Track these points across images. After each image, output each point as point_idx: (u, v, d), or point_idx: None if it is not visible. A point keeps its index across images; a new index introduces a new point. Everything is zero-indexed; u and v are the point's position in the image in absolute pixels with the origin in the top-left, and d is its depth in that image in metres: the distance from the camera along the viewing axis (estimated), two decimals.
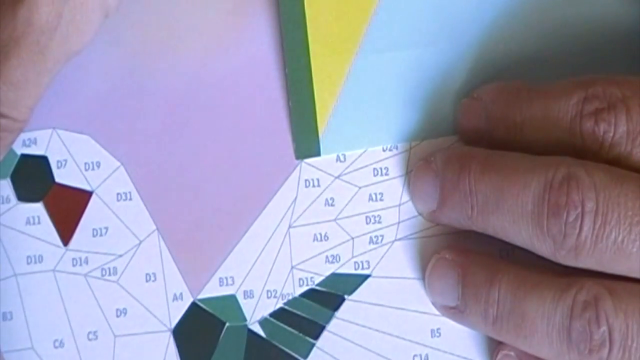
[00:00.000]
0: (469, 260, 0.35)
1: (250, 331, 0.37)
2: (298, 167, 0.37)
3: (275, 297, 0.37)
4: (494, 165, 0.33)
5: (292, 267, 0.37)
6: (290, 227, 0.37)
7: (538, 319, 0.32)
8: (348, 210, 0.37)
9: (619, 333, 0.31)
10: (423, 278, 0.37)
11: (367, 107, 0.36)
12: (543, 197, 0.32)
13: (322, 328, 0.37)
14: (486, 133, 0.35)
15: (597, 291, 0.32)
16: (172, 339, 0.37)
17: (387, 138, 0.37)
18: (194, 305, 0.37)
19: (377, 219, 0.37)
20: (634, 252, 0.31)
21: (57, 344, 0.37)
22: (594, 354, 0.31)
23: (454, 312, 0.35)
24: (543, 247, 0.32)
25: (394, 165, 0.37)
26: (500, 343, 0.35)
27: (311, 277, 0.37)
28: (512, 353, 0.35)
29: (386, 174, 0.37)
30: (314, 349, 0.37)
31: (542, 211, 0.32)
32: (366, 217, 0.37)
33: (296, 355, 0.37)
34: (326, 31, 0.36)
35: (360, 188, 0.37)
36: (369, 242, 0.37)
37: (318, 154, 0.36)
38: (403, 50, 0.36)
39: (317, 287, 0.37)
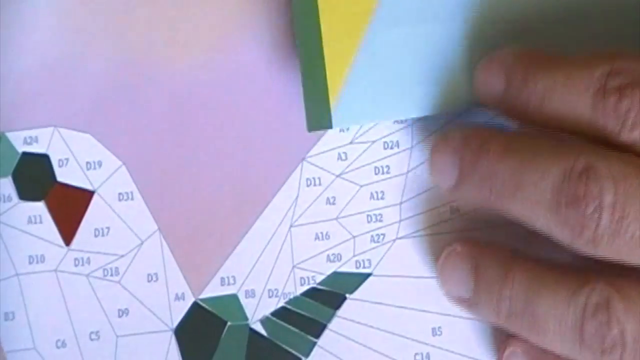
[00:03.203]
0: (481, 253, 0.35)
1: (252, 330, 0.37)
2: (299, 166, 0.37)
3: (276, 296, 0.37)
4: (514, 149, 0.33)
5: (294, 266, 0.37)
6: (291, 226, 0.37)
7: (550, 319, 0.32)
8: (349, 209, 0.37)
9: (631, 335, 0.31)
10: (425, 276, 0.37)
11: (379, 80, 0.36)
12: (561, 187, 0.31)
13: (324, 327, 0.37)
14: (505, 99, 0.34)
15: (609, 293, 0.32)
16: (173, 338, 0.37)
17: (398, 111, 0.36)
18: (195, 305, 0.37)
19: (378, 217, 0.37)
20: None
21: (59, 344, 0.37)
22: (607, 355, 0.31)
23: (467, 304, 0.35)
24: (561, 236, 0.32)
25: (396, 164, 0.37)
26: (507, 339, 0.35)
27: (312, 276, 0.37)
28: (518, 350, 0.35)
29: (387, 172, 0.37)
30: (316, 347, 0.37)
31: (560, 201, 0.31)
32: (367, 215, 0.37)
33: (298, 354, 0.37)
34: (337, 4, 0.35)
35: (361, 186, 0.37)
36: (370, 241, 0.37)
37: (330, 126, 0.35)
38: (416, 24, 0.35)
39: (319, 286, 0.37)
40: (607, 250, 0.31)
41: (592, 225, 0.31)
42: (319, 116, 0.36)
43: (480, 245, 0.35)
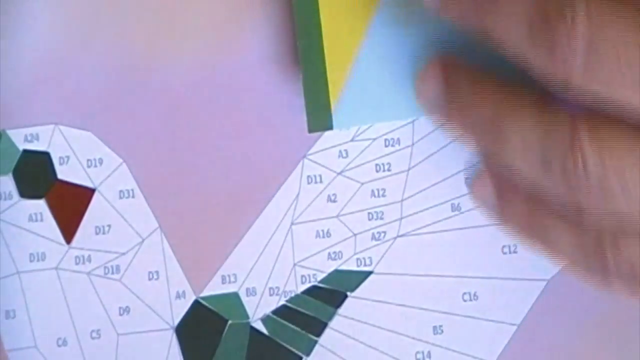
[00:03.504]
0: (454, 69, 0.34)
1: (253, 329, 0.37)
2: (300, 164, 0.37)
3: (277, 294, 0.37)
4: None
5: (295, 264, 0.37)
6: (292, 223, 0.37)
7: (516, 135, 0.32)
8: (350, 207, 0.37)
9: (593, 167, 0.30)
10: (426, 274, 0.37)
11: (380, 81, 0.36)
12: (538, 3, 0.31)
13: (325, 325, 0.37)
14: None
15: (577, 122, 0.31)
16: (174, 337, 0.37)
17: (399, 112, 0.36)
18: (196, 303, 0.37)
19: (379, 215, 0.37)
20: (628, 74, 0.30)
21: (60, 342, 0.37)
22: (566, 181, 0.31)
23: (438, 113, 0.35)
24: (535, 59, 0.31)
25: (397, 161, 0.37)
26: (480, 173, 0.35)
27: (313, 274, 0.37)
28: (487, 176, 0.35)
29: (388, 170, 0.37)
30: (317, 346, 0.37)
31: (536, 17, 0.30)
32: (368, 213, 0.37)
33: (299, 353, 0.37)
34: (338, 5, 0.35)
35: (362, 184, 0.37)
36: (372, 239, 0.37)
37: (330, 127, 0.35)
38: (416, 23, 0.36)
39: (320, 284, 0.37)
40: (582, 77, 0.30)
41: (567, 42, 0.30)
42: (319, 117, 0.36)
43: (453, 60, 0.35)
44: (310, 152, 0.37)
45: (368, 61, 0.35)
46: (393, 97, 0.36)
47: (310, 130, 0.36)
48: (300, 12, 0.36)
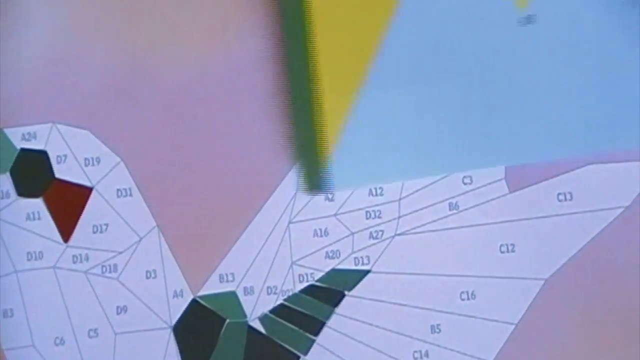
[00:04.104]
0: None
1: (251, 328, 0.37)
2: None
3: (275, 293, 0.37)
4: None
5: (292, 263, 0.37)
6: (290, 222, 0.37)
7: None
8: (348, 205, 0.37)
9: None
10: (423, 273, 0.37)
11: (371, 144, 0.36)
12: None
13: (322, 324, 0.37)
14: None
15: None
16: (172, 335, 0.37)
17: (393, 175, 0.36)
18: (194, 302, 0.37)
19: (377, 213, 0.37)
20: None
21: (57, 341, 0.37)
22: None
23: None
24: None
25: None
26: None
27: (311, 273, 0.37)
28: None
29: None
30: (314, 345, 0.37)
31: None
32: (366, 212, 0.37)
33: (296, 352, 0.37)
34: (331, 67, 0.36)
35: None
36: (369, 238, 0.37)
37: (322, 190, 0.36)
38: (408, 85, 0.36)
39: (317, 283, 0.37)
40: None
41: None
42: (311, 180, 0.36)
43: None
44: None
45: (360, 125, 0.36)
46: (386, 159, 0.36)
47: (301, 190, 0.36)
48: (294, 76, 0.36)
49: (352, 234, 0.37)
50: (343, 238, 0.37)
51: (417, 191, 0.37)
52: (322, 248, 0.37)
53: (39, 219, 0.37)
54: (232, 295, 0.37)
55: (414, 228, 0.37)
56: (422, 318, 0.37)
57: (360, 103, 0.36)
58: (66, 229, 0.37)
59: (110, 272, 0.37)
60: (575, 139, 0.36)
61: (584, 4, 0.36)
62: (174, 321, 0.37)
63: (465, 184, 0.37)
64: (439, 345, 0.37)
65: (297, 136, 0.36)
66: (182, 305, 0.37)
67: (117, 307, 0.37)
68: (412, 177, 0.36)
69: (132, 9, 0.37)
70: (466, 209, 0.37)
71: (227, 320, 0.37)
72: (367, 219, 0.37)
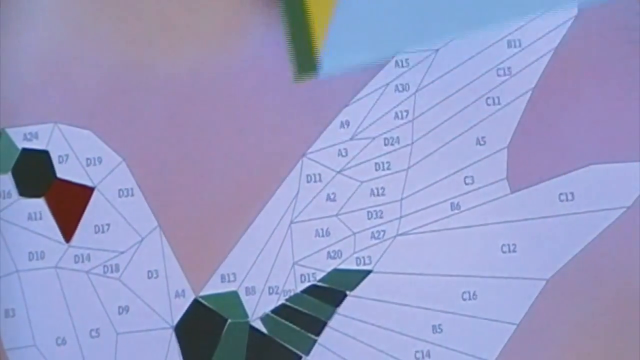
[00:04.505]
0: None
1: (252, 328, 0.37)
2: (299, 163, 0.37)
3: (276, 293, 0.37)
4: None
5: (294, 263, 0.37)
6: (291, 222, 0.37)
7: None
8: (350, 206, 0.37)
9: None
10: (425, 273, 0.37)
11: (362, 19, 0.34)
12: None
13: (324, 324, 0.37)
14: None
15: None
16: (174, 336, 0.37)
17: (384, 49, 0.34)
18: (195, 302, 0.37)
19: (378, 214, 0.37)
20: None
21: (59, 341, 0.37)
22: None
23: None
24: None
25: (396, 160, 0.37)
26: None
27: (313, 273, 0.37)
28: None
29: (388, 169, 0.37)
30: (316, 345, 0.37)
31: None
32: (368, 212, 0.37)
33: (298, 352, 0.37)
34: None
35: (361, 183, 0.37)
36: (371, 238, 0.37)
37: (316, 71, 0.34)
38: None
39: (319, 283, 0.37)
40: None
41: None
42: (304, 65, 0.35)
43: None
44: (309, 150, 0.37)
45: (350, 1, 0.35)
46: (378, 34, 0.35)
47: (296, 79, 0.35)
48: None
49: (354, 234, 0.37)
50: (345, 238, 0.37)
51: (418, 191, 0.37)
52: (324, 248, 0.37)
53: (40, 219, 0.37)
54: (234, 295, 0.37)
55: (415, 228, 0.37)
56: (423, 318, 0.37)
57: None
58: (68, 229, 0.37)
59: (112, 272, 0.37)
60: None
61: None
62: (175, 321, 0.37)
63: (467, 184, 0.37)
64: (440, 345, 0.37)
65: (288, 19, 0.35)
66: (183, 305, 0.37)
67: (119, 307, 0.37)
68: (403, 47, 0.34)
69: (134, 9, 0.37)
70: (468, 209, 0.37)
71: (229, 320, 0.37)
72: (368, 219, 0.37)
